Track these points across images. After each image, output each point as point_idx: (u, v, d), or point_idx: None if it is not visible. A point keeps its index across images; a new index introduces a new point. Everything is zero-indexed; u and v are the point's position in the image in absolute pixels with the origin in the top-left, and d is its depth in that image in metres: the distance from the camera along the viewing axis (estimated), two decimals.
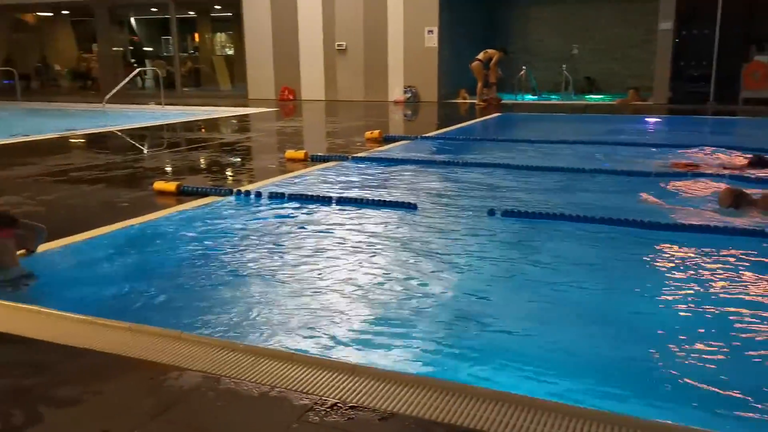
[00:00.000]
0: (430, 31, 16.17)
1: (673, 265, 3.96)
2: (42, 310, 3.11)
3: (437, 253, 4.18)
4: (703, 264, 3.94)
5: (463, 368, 2.74)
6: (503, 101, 15.39)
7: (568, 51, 17.79)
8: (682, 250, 4.20)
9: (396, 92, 16.81)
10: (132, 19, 24.44)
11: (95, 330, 2.92)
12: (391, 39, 16.66)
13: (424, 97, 16.53)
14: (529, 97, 16.65)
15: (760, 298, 3.41)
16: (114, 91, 16.45)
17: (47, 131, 10.88)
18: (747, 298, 3.41)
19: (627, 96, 15.18)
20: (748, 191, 5.24)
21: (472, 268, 3.92)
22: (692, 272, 3.81)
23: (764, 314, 3.20)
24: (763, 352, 2.86)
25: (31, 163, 7.71)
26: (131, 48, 23.79)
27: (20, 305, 3.17)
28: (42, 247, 4.04)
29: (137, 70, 19.41)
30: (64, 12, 22.92)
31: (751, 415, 2.38)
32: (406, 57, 16.59)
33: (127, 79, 17.83)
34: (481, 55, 14.90)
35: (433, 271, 3.86)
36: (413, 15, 16.26)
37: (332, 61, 17.46)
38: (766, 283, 3.62)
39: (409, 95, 16.50)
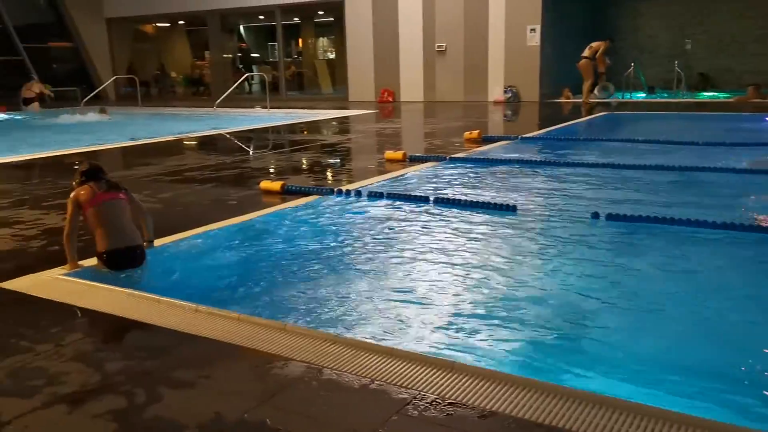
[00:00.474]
0: (533, 30, 15.85)
1: None
2: (160, 298, 3.33)
3: (538, 256, 4.10)
4: None
5: (564, 370, 2.68)
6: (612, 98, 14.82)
7: (680, 46, 16.87)
8: None
9: (496, 92, 16.60)
10: (241, 27, 25.61)
11: (206, 318, 3.10)
12: (491, 38, 16.48)
13: (525, 97, 16.23)
14: (638, 95, 15.92)
15: None
16: (224, 96, 17.32)
17: (164, 134, 11.63)
18: None
19: (746, 93, 14.18)
20: None
21: (574, 272, 3.81)
22: None
23: None
24: None
25: (150, 163, 8.27)
26: (240, 54, 24.93)
27: (140, 293, 3.42)
28: (159, 241, 4.34)
29: (245, 75, 20.36)
30: (180, 22, 24.38)
31: None
32: (507, 56, 16.35)
33: (236, 85, 18.72)
34: (586, 52, 14.41)
35: (532, 274, 3.79)
36: (515, 13, 16.00)
37: (431, 63, 17.50)
38: None
39: (509, 95, 16.26)
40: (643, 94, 16.06)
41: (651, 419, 2.09)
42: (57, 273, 3.79)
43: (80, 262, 3.91)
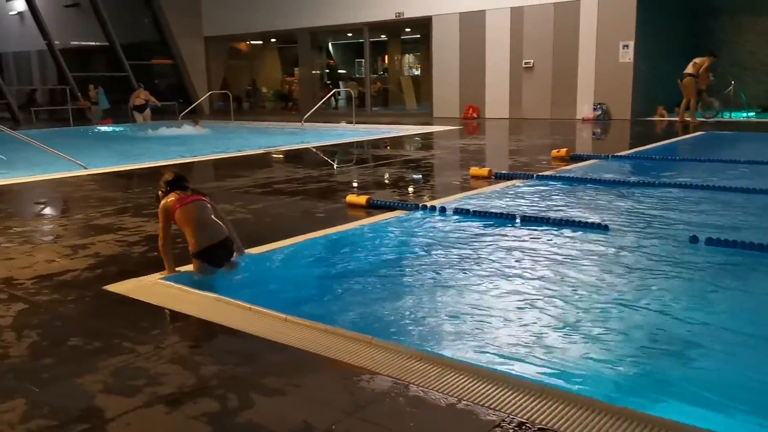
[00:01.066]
0: (625, 46, 15.39)
1: None
2: (250, 306, 3.44)
3: (631, 278, 3.94)
4: None
5: (659, 399, 2.55)
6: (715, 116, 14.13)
7: None
8: None
9: (585, 109, 16.20)
10: (329, 44, 26.29)
11: (295, 328, 3.16)
12: (581, 55, 16.12)
13: (615, 115, 15.75)
14: (739, 114, 15.10)
15: None
16: (311, 111, 17.79)
17: (254, 147, 12.06)
18: None
19: None
20: None
21: (670, 297, 3.63)
22: None
23: None
24: None
25: (241, 175, 8.58)
26: (327, 71, 25.57)
27: (231, 300, 3.54)
28: (252, 250, 4.48)
29: (332, 91, 20.84)
30: (272, 40, 25.29)
31: None
32: (598, 73, 15.93)
33: (324, 100, 19.19)
34: (690, 68, 13.80)
35: (625, 296, 3.65)
36: (607, 29, 15.60)
37: (518, 79, 17.31)
38: None
39: (599, 112, 15.82)
40: (744, 114, 15.21)
41: None
42: (156, 278, 3.99)
43: (177, 269, 4.09)
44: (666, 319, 3.36)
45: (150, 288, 3.83)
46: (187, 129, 16.20)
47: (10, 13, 23.20)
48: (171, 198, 4.08)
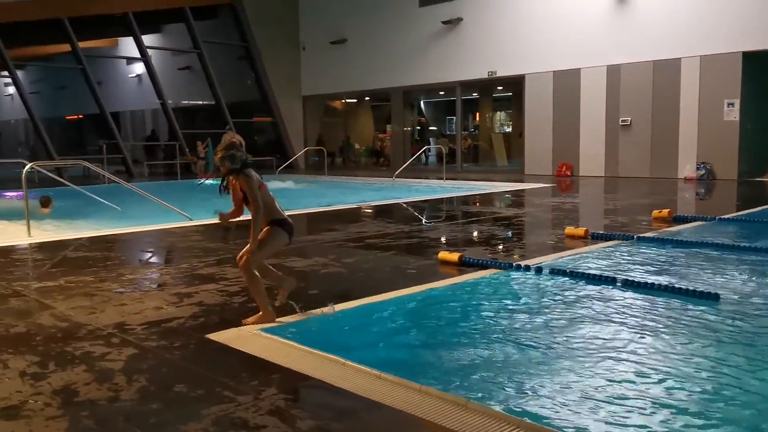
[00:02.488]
0: (731, 104, 14.77)
1: None
2: (345, 362, 3.46)
3: (747, 354, 3.67)
4: None
5: None
6: None
7: None
8: None
9: (687, 169, 15.56)
10: (421, 102, 26.86)
11: (389, 386, 3.15)
12: (683, 113, 15.61)
13: (720, 175, 15.02)
14: None
15: None
16: (403, 167, 18.10)
17: (347, 202, 12.35)
18: None
19: None
20: None
21: None
22: None
23: None
24: None
25: (334, 229, 8.79)
26: (418, 127, 26.05)
27: (327, 354, 3.58)
28: (345, 305, 4.55)
29: (423, 148, 21.17)
30: (365, 98, 26.16)
31: None
32: (701, 131, 15.34)
33: (414, 157, 19.51)
34: None
35: (740, 373, 3.39)
36: (710, 87, 15.07)
37: (614, 136, 16.94)
38: None
39: (702, 172, 15.15)
40: None
41: None
42: (255, 328, 4.11)
43: (278, 320, 4.21)
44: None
45: (249, 338, 3.95)
46: (286, 183, 16.87)
47: (130, 75, 25.33)
48: (255, 174, 4.24)
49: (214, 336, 3.99)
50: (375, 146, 26.50)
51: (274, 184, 16.52)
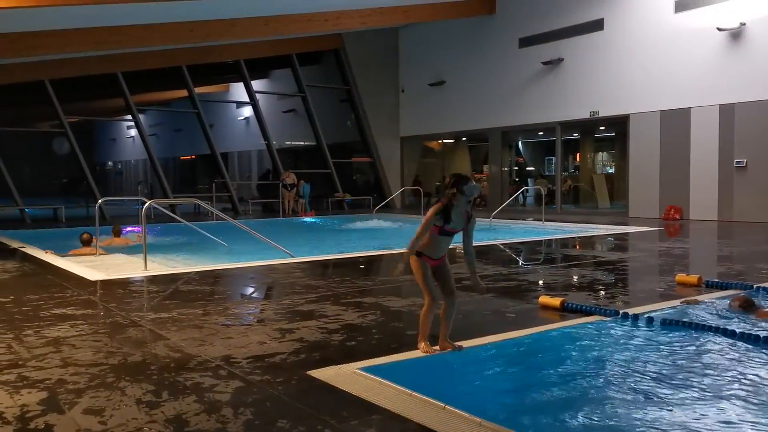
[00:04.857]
0: None
1: None
2: (445, 406, 3.41)
3: None
4: None
5: None
6: None
7: None
8: None
9: None
10: (519, 142, 26.60)
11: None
12: None
13: None
14: None
15: None
16: (500, 207, 17.90)
17: None
18: None
19: None
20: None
21: None
22: None
23: None
24: None
25: None
26: (516, 168, 25.74)
27: (425, 398, 3.54)
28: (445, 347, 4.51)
29: (522, 189, 20.87)
30: (463, 138, 26.26)
31: None
32: None
33: (513, 197, 19.25)
34: None
35: None
36: None
37: (728, 179, 15.99)
38: None
39: None
40: None
41: None
42: (355, 367, 4.15)
43: (377, 359, 4.23)
44: None
45: (349, 377, 3.98)
46: (380, 222, 17.13)
47: (239, 118, 26.82)
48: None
49: (314, 373, 4.06)
50: None
51: (370, 223, 16.81)
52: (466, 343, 4.73)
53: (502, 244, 12.15)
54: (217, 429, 3.19)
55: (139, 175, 30.16)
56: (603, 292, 7.16)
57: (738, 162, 15.80)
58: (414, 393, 3.63)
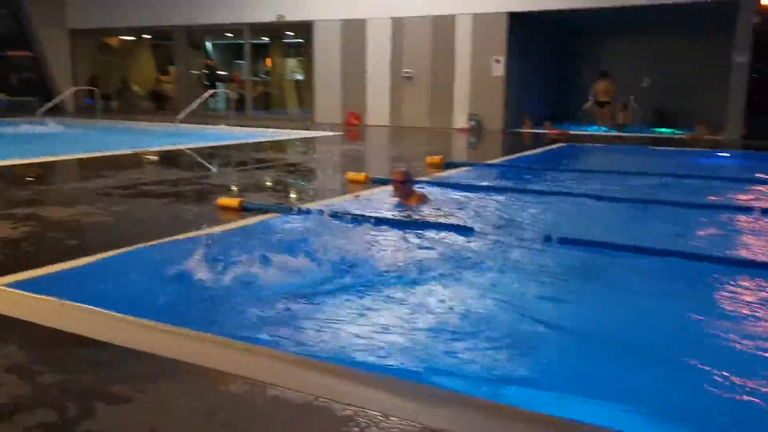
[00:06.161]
0: (497, 60, 16.18)
1: (729, 298, 3.80)
2: (106, 312, 3.24)
3: (491, 276, 4.14)
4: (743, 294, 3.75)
5: (513, 391, 2.69)
6: (569, 132, 15.22)
7: (638, 83, 17.42)
8: (740, 284, 4.02)
9: (460, 120, 16.84)
10: (208, 44, 25.51)
11: (151, 333, 3.02)
12: (458, 67, 16.74)
13: (488, 126, 16.50)
14: (596, 129, 16.33)
15: None
16: (187, 111, 17.18)
17: (123, 148, 11.42)
18: None
19: (695, 130, 14.73)
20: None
21: (525, 292, 3.86)
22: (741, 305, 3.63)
23: None
24: None
25: (105, 176, 8.10)
26: (206, 71, 24.79)
27: (86, 306, 3.31)
28: (109, 253, 4.24)
29: (210, 92, 20.22)
30: (145, 36, 24.16)
31: None
32: (473, 86, 16.62)
33: (200, 101, 18.58)
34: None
35: (484, 294, 3.82)
36: (481, 44, 16.32)
37: (399, 88, 17.68)
38: None
39: (473, 123, 16.50)
40: (596, 127, 16.42)
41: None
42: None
43: (31, 272, 3.79)
44: (516, 312, 3.55)
45: None
46: (49, 126, 15.10)
47: None
48: None
49: None
50: (157, 89, 24.72)
51: (37, 128, 14.72)
52: (132, 247, 4.51)
53: (189, 149, 11.75)
54: None
55: None
56: (284, 192, 7.48)
57: (406, 72, 17.54)
58: (66, 302, 3.35)
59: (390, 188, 6.81)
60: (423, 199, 6.39)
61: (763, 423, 2.54)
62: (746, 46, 13.68)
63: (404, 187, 6.37)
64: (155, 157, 10.54)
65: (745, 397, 2.67)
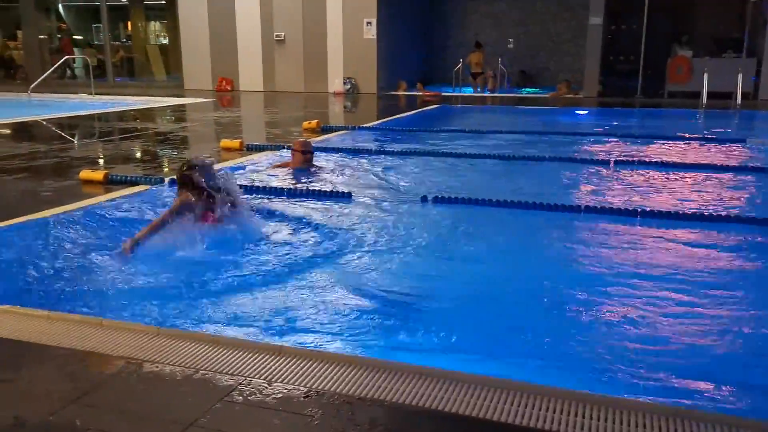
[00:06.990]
0: (369, 23, 16.17)
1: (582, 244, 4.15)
2: None
3: (370, 240, 4.21)
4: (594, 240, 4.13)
5: (392, 347, 2.78)
6: (442, 94, 15.63)
7: (504, 45, 18.13)
8: (596, 229, 4.41)
9: (335, 84, 16.75)
10: (60, 6, 23.43)
11: (11, 318, 2.82)
12: (330, 30, 16.56)
13: (363, 89, 16.55)
14: (467, 90, 16.88)
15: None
16: (40, 79, 15.77)
17: None
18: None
19: (557, 90, 15.64)
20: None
21: (404, 253, 3.98)
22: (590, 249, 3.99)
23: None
24: None
25: None
26: (59, 36, 22.81)
27: None
28: None
29: (64, 57, 18.65)
30: None
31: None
32: (346, 48, 16.53)
33: (54, 67, 17.12)
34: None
35: (364, 258, 3.89)
36: (351, 6, 16.22)
37: (271, 52, 17.24)
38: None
39: (348, 87, 16.48)
40: (471, 90, 16.99)
41: (465, 384, 2.23)
42: None
43: None
44: (396, 273, 3.67)
45: None
46: None
47: None
48: None
49: None
50: (4, 56, 22.46)
51: None
52: None
53: (44, 120, 10.84)
54: None
55: None
56: (153, 163, 7.13)
57: (277, 35, 17.11)
58: None
59: (271, 155, 6.72)
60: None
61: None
62: (601, 8, 14.59)
63: (304, 155, 6.37)
64: (5, 130, 9.66)
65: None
